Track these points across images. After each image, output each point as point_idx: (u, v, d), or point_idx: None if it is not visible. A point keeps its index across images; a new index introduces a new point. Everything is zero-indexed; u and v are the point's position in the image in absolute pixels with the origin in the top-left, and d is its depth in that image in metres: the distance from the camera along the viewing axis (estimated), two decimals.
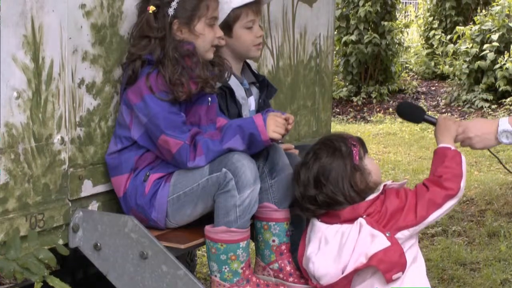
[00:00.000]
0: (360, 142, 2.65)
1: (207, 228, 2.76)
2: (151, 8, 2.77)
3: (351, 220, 2.53)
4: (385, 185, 2.60)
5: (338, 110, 12.24)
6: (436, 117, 2.79)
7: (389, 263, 2.45)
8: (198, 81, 2.78)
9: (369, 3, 12.23)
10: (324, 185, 2.56)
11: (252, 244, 3.01)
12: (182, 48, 2.78)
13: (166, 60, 2.74)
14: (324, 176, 2.57)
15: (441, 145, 2.67)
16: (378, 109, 12.13)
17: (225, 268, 2.73)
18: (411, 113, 2.76)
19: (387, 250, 2.45)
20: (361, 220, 2.51)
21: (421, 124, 10.57)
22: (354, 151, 2.59)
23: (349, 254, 2.48)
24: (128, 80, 2.79)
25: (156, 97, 2.71)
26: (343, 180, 2.55)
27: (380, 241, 2.46)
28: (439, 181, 2.56)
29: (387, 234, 2.47)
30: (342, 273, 2.49)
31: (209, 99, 2.91)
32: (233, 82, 3.16)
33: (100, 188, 2.86)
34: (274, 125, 2.76)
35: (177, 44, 2.78)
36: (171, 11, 2.78)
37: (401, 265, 2.48)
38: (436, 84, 13.23)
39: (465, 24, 13.27)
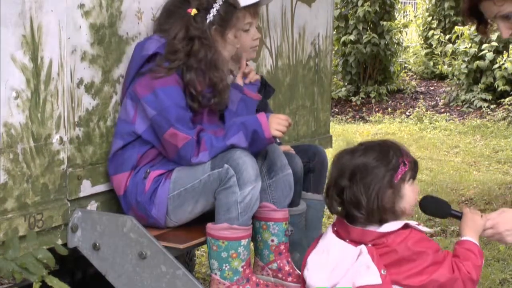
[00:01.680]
0: (413, 166, 2.51)
1: (209, 225, 2.76)
2: (193, 11, 2.85)
3: (356, 243, 2.43)
4: (407, 224, 2.44)
5: (337, 110, 12.25)
6: (461, 210, 2.65)
7: None
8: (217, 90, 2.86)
9: (368, 3, 12.23)
10: (357, 182, 2.42)
11: (251, 244, 3.01)
12: (211, 56, 2.85)
13: (191, 62, 2.80)
14: (362, 174, 2.43)
15: (467, 238, 2.53)
16: (377, 109, 12.14)
17: (226, 266, 2.73)
18: (436, 208, 2.68)
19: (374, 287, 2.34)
20: (363, 247, 2.39)
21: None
22: (400, 169, 2.45)
23: (340, 276, 2.39)
24: (139, 69, 2.83)
25: (168, 91, 2.74)
26: (374, 188, 2.42)
27: (372, 276, 2.34)
28: (465, 276, 2.43)
29: (382, 272, 2.35)
30: None
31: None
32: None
33: (99, 188, 2.86)
34: (276, 123, 2.81)
35: (207, 49, 2.84)
36: (210, 17, 2.86)
37: None
38: (435, 84, 13.23)
39: (464, 24, 13.26)
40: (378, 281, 2.34)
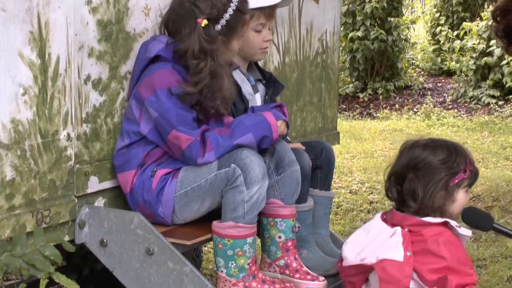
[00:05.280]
0: (473, 176, 2.61)
1: (215, 223, 2.76)
2: (204, 22, 2.77)
3: (395, 226, 2.53)
4: (447, 222, 2.52)
5: (344, 106, 12.22)
6: (506, 226, 2.68)
7: (389, 276, 2.40)
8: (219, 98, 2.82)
9: None
10: (419, 177, 2.55)
11: (258, 241, 3.01)
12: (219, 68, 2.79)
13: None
14: (425, 171, 2.55)
15: None
16: (384, 106, 12.10)
17: (232, 264, 2.73)
18: (478, 220, 2.69)
19: (394, 263, 2.40)
20: (398, 228, 2.50)
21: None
22: (459, 174, 2.56)
23: (371, 250, 2.48)
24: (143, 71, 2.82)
25: (169, 93, 2.72)
26: (432, 186, 2.53)
27: (396, 252, 2.43)
28: None
29: (408, 253, 2.43)
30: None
31: None
32: (240, 78, 3.16)
33: (106, 185, 2.86)
34: (283, 127, 2.91)
35: (218, 64, 2.80)
36: (218, 27, 2.81)
37: (402, 287, 2.41)
38: (443, 80, 13.19)
39: (472, 20, 13.22)
40: (400, 258, 2.43)
